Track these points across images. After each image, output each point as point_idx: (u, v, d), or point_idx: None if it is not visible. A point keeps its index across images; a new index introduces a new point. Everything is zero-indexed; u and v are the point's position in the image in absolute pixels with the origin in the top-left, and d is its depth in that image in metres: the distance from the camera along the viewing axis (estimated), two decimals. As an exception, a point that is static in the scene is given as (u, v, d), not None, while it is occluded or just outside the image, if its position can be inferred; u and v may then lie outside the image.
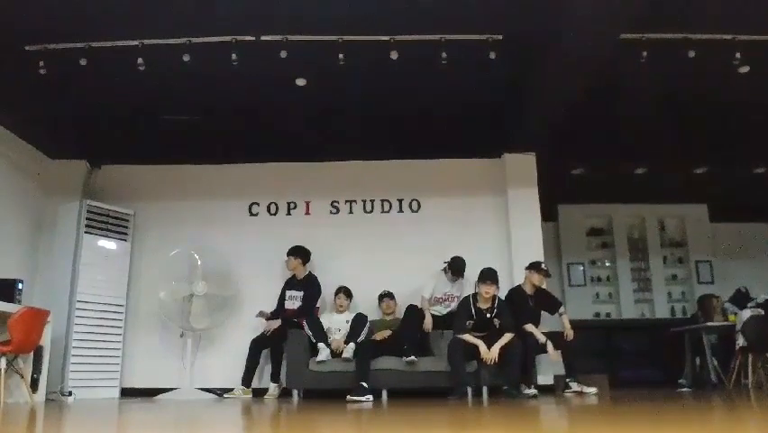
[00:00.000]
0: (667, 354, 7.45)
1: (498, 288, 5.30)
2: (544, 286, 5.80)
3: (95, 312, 5.94)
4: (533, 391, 5.21)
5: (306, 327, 5.50)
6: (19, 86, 5.21)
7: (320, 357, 5.27)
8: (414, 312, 5.61)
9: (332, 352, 5.38)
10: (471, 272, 5.44)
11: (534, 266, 5.74)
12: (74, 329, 5.76)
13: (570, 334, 5.53)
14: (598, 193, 8.54)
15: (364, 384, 4.99)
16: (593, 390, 5.38)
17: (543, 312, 5.77)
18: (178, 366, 6.03)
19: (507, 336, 5.13)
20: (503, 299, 5.51)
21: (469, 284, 5.76)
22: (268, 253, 6.44)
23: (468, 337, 5.20)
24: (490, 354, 5.03)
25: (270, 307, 6.10)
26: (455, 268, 5.79)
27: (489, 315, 5.28)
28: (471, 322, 5.29)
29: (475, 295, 5.35)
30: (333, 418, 3.15)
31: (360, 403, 4.66)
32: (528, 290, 5.73)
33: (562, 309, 5.80)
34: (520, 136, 6.27)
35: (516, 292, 5.72)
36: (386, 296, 5.95)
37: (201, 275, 6.00)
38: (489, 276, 5.24)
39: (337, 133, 6.46)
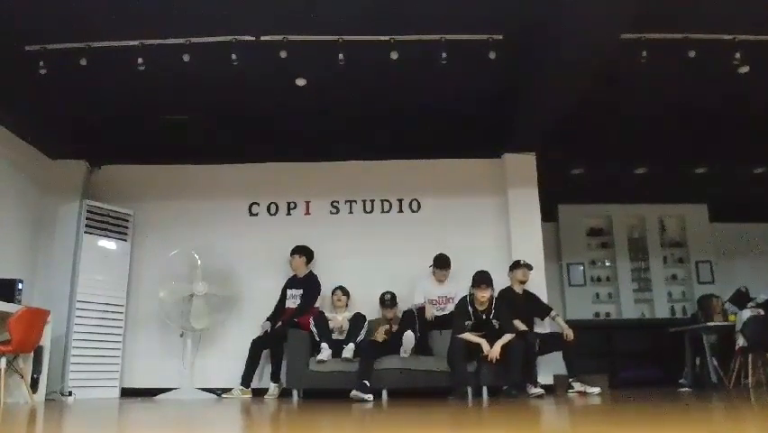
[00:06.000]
0: (667, 355, 7.44)
1: (493, 289, 5.30)
2: (528, 279, 5.88)
3: (95, 312, 5.94)
4: (538, 390, 5.19)
5: (311, 325, 5.52)
6: (19, 86, 5.21)
7: (321, 357, 5.28)
8: (411, 316, 5.59)
9: (333, 351, 5.37)
10: (470, 273, 5.42)
11: (513, 266, 5.92)
12: (74, 329, 5.76)
13: (569, 334, 5.56)
14: (598, 193, 8.54)
15: (367, 383, 5.01)
16: (596, 389, 5.39)
17: (535, 316, 5.88)
18: (178, 366, 6.03)
19: (508, 336, 5.13)
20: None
21: (461, 284, 5.78)
22: (268, 253, 6.44)
23: (469, 336, 5.20)
24: (492, 351, 5.03)
25: (269, 310, 6.10)
26: (439, 263, 5.93)
27: (486, 316, 5.28)
28: (470, 323, 5.29)
29: (472, 296, 5.34)
30: (333, 418, 3.15)
31: (362, 399, 4.78)
32: (517, 289, 5.84)
33: (554, 313, 5.95)
34: (520, 136, 6.27)
35: (507, 292, 5.77)
36: (389, 300, 5.76)
37: (201, 275, 6.01)
38: (482, 280, 5.24)
39: (337, 133, 6.46)
